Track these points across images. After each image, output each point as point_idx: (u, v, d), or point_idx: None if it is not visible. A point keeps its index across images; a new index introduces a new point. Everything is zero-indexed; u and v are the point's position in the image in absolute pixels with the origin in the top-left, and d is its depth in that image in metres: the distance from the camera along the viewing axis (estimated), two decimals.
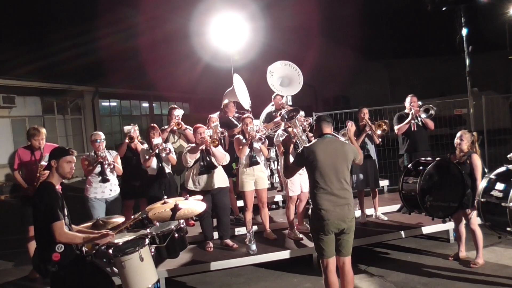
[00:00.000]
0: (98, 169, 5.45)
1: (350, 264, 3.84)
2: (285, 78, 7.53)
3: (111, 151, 5.72)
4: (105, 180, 5.47)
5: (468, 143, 5.00)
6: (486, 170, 6.26)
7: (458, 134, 5.04)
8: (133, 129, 5.98)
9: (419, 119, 6.48)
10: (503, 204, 4.23)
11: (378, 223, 6.20)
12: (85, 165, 5.52)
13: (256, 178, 5.77)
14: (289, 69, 7.50)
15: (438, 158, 5.09)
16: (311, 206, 3.85)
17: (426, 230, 5.83)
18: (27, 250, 5.31)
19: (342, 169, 3.76)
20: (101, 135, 5.58)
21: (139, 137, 6.09)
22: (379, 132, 6.20)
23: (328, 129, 3.88)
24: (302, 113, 5.41)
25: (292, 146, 5.42)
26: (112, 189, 5.56)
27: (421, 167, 5.04)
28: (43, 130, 5.44)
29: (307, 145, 3.85)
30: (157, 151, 5.69)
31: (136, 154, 6.05)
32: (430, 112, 6.43)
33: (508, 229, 4.19)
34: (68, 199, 3.63)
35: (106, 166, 5.42)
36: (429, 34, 25.72)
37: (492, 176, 4.58)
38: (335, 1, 25.52)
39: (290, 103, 7.47)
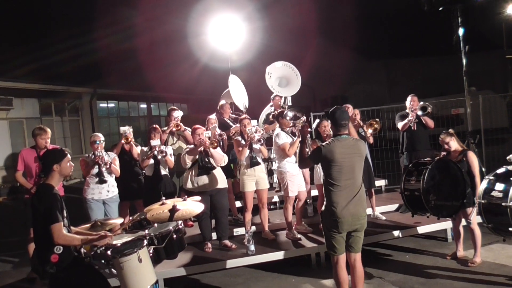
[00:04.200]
0: (95, 170, 5.46)
1: (360, 260, 3.91)
2: (282, 79, 7.53)
3: (109, 153, 5.73)
4: (102, 181, 5.47)
5: (454, 141, 5.03)
6: (483, 169, 6.29)
7: (441, 139, 5.07)
8: (128, 130, 6.00)
9: (417, 117, 6.51)
10: (503, 204, 4.23)
11: (376, 223, 6.20)
12: (84, 166, 5.53)
13: (257, 179, 5.78)
14: (286, 69, 7.49)
15: (437, 157, 5.11)
16: (325, 203, 3.86)
17: (424, 229, 5.84)
18: (27, 252, 5.31)
19: (358, 167, 3.84)
20: (101, 137, 5.59)
21: (133, 140, 6.09)
22: (370, 131, 6.25)
23: (345, 130, 3.88)
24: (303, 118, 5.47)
25: (300, 139, 5.46)
26: (109, 190, 5.57)
27: (422, 167, 5.05)
28: (49, 130, 5.47)
29: (325, 143, 3.87)
30: (155, 152, 5.71)
31: (130, 156, 6.06)
32: (428, 110, 6.46)
33: (511, 229, 4.20)
34: (67, 201, 3.64)
35: (102, 166, 5.43)
36: (426, 34, 25.76)
37: (491, 177, 4.58)
38: (333, 2, 25.56)
39: (290, 103, 7.47)
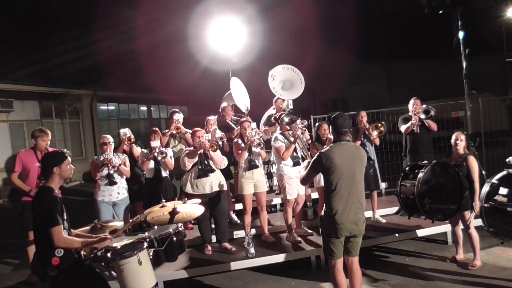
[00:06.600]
0: (105, 171, 5.47)
1: (358, 263, 3.92)
2: (286, 82, 7.52)
3: (119, 154, 5.75)
4: (112, 182, 5.49)
5: (465, 144, 5.04)
6: (484, 172, 6.29)
7: (455, 137, 5.06)
8: (129, 132, 6.02)
9: (420, 120, 6.52)
10: (509, 209, 4.23)
11: (376, 226, 6.20)
12: (93, 168, 5.55)
13: (256, 182, 5.78)
14: (290, 72, 7.48)
15: (434, 161, 5.11)
16: (324, 208, 3.86)
17: (424, 232, 5.83)
18: (26, 255, 5.31)
19: (358, 174, 3.81)
20: (109, 138, 5.61)
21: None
22: (375, 133, 6.26)
23: (346, 137, 3.86)
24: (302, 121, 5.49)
25: (293, 146, 5.48)
26: (120, 192, 5.59)
27: (418, 170, 5.05)
28: (49, 132, 5.47)
29: (324, 150, 3.84)
30: (155, 154, 5.72)
31: (131, 158, 6.07)
32: (431, 113, 6.47)
33: None
34: (67, 203, 3.64)
35: (111, 169, 5.44)
36: (426, 37, 25.80)
37: (494, 180, 4.56)
38: (333, 4, 25.62)
39: (291, 106, 7.46)
